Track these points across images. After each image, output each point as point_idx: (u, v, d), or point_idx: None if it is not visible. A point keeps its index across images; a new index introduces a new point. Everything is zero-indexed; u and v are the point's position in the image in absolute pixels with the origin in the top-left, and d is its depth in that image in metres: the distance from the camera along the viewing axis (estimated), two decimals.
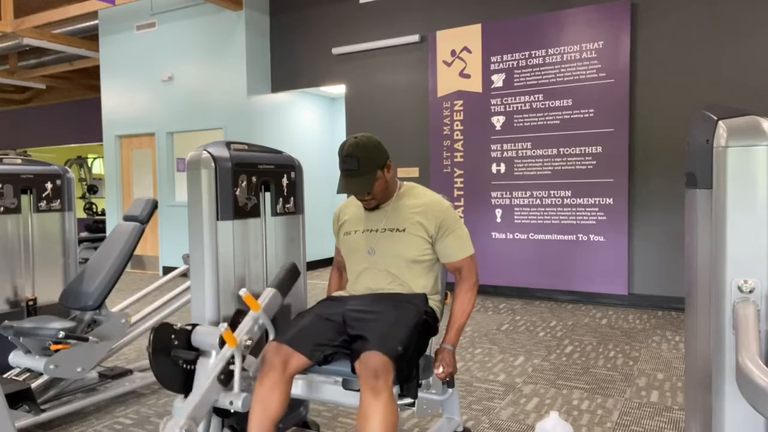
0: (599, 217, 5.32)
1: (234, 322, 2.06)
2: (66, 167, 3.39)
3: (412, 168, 6.32)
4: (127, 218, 3.17)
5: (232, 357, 1.98)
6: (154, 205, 3.20)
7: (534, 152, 5.60)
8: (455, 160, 6.00)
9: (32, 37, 7.78)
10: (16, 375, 2.75)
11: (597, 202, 5.32)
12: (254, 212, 2.35)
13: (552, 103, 5.49)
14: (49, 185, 3.26)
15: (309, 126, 8.02)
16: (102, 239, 8.17)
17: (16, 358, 2.71)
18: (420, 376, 1.98)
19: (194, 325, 2.13)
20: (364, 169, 2.01)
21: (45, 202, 3.25)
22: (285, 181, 2.48)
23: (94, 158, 11.62)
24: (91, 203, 11.22)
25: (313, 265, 7.59)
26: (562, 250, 5.49)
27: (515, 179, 5.70)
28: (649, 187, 5.17)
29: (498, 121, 5.77)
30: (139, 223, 3.12)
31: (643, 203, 5.20)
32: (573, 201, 5.43)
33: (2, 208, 3.06)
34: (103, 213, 10.69)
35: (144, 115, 7.97)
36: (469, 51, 5.87)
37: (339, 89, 7.25)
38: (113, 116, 8.29)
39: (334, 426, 2.75)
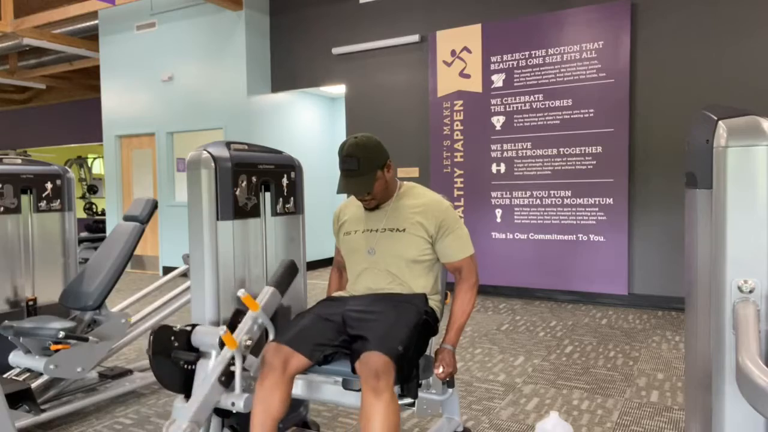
0: (599, 217, 5.32)
1: (233, 323, 2.07)
2: (66, 167, 3.39)
3: (412, 168, 6.32)
4: (127, 218, 3.17)
5: (233, 358, 1.98)
6: (154, 205, 3.20)
7: (534, 152, 5.60)
8: (455, 160, 6.00)
9: (32, 37, 7.78)
10: (16, 375, 2.75)
11: (597, 202, 5.32)
12: (254, 212, 2.35)
13: (552, 103, 5.49)
14: (49, 185, 3.26)
15: (309, 126, 8.02)
16: (102, 239, 8.17)
17: (16, 358, 2.71)
18: (420, 376, 1.98)
19: (194, 326, 2.13)
20: (364, 169, 2.01)
21: (45, 202, 3.25)
22: (285, 181, 2.48)
23: (94, 158, 11.62)
24: (91, 203, 11.22)
25: (313, 265, 7.59)
26: (562, 250, 5.49)
27: (515, 179, 5.70)
28: (649, 187, 5.17)
29: (498, 121, 5.77)
30: (139, 223, 3.12)
31: (643, 203, 5.20)
32: (573, 201, 5.43)
33: (2, 208, 3.06)
34: (103, 213, 10.69)
35: (144, 115, 7.97)
36: (469, 51, 5.87)
37: (339, 89, 7.25)
38: (113, 116, 8.29)
39: (334, 426, 2.75)
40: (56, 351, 2.60)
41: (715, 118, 1.32)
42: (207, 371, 2.03)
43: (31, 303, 3.16)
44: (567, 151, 5.44)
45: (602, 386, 3.23)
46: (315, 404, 2.94)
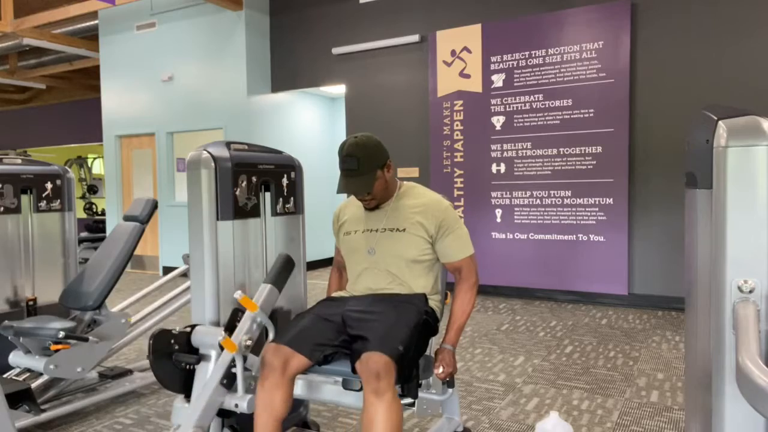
0: (599, 217, 5.32)
1: (231, 324, 2.06)
2: (66, 167, 3.39)
3: (412, 168, 6.32)
4: (127, 218, 3.17)
5: (233, 360, 1.98)
6: (154, 205, 3.20)
7: (534, 152, 5.60)
8: (455, 160, 6.00)
9: (32, 37, 7.78)
10: (16, 375, 2.75)
11: (597, 202, 5.32)
12: (254, 212, 2.35)
13: (552, 103, 5.49)
14: (49, 185, 3.26)
15: (309, 126, 8.02)
16: (102, 239, 8.18)
17: (16, 358, 2.71)
18: (420, 376, 1.98)
19: (193, 327, 2.13)
20: (364, 168, 2.01)
21: (45, 202, 3.25)
22: (285, 181, 2.48)
23: (94, 158, 11.62)
24: (91, 203, 11.22)
25: (313, 265, 7.59)
26: (562, 250, 5.49)
27: (515, 179, 5.70)
28: (649, 187, 5.17)
29: (498, 121, 5.77)
30: (139, 223, 3.12)
31: (643, 203, 5.20)
32: (573, 201, 5.43)
33: (2, 208, 3.06)
34: (103, 213, 10.69)
35: (144, 115, 7.97)
36: (469, 51, 5.87)
37: (339, 89, 7.25)
38: (113, 116, 8.29)
39: (334, 426, 2.75)
40: (56, 351, 2.60)
41: (715, 118, 1.32)
42: (208, 374, 2.03)
43: (31, 303, 3.16)
44: (567, 151, 5.44)
45: (602, 386, 3.23)
46: (315, 404, 2.94)
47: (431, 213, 2.09)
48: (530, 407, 2.95)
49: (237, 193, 2.26)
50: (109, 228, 8.48)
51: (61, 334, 2.58)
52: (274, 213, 2.45)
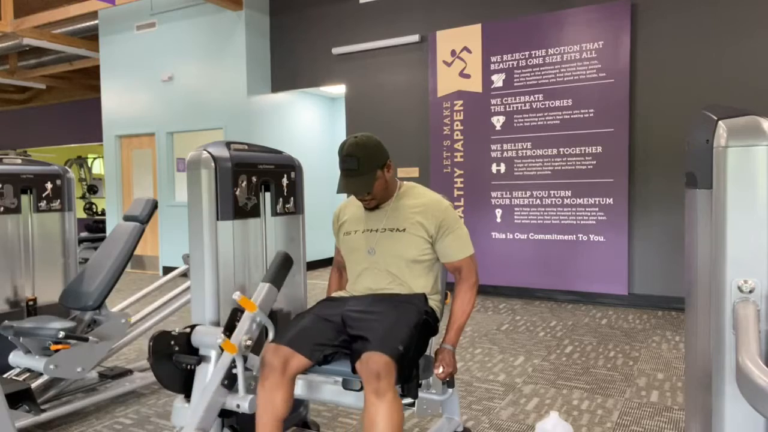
0: (599, 217, 5.32)
1: (230, 324, 2.06)
2: (66, 167, 3.39)
3: (412, 168, 6.32)
4: (127, 218, 3.17)
5: (233, 361, 1.98)
6: (154, 205, 3.20)
7: (534, 152, 5.60)
8: (455, 160, 6.00)
9: (32, 37, 7.78)
10: (16, 375, 2.75)
11: (597, 202, 5.32)
12: (254, 212, 2.35)
13: (552, 103, 5.49)
14: (49, 185, 3.26)
15: (309, 126, 8.02)
16: (102, 239, 8.18)
17: (16, 358, 2.71)
18: (420, 376, 1.98)
19: (192, 327, 2.13)
20: (364, 168, 2.00)
21: (45, 202, 3.25)
22: (285, 181, 2.48)
23: (94, 158, 11.62)
24: (91, 203, 11.22)
25: (313, 265, 7.59)
26: (562, 250, 5.49)
27: (515, 179, 5.70)
28: (649, 187, 5.17)
29: (498, 121, 5.77)
30: (139, 223, 3.12)
31: (643, 203, 5.20)
32: (573, 201, 5.43)
33: (2, 208, 3.06)
34: (103, 213, 10.69)
35: (144, 115, 7.97)
36: (469, 51, 5.87)
37: (339, 89, 7.25)
38: (113, 116, 8.29)
39: (334, 426, 2.75)
40: (56, 351, 2.60)
41: (715, 118, 1.32)
42: (208, 374, 2.03)
43: (31, 303, 3.16)
44: (567, 151, 5.44)
45: (602, 386, 3.23)
46: (315, 404, 2.94)
47: (431, 213, 2.09)
48: (530, 407, 2.95)
49: (237, 193, 2.26)
50: (109, 228, 8.48)
51: (61, 334, 2.58)
52: (274, 213, 2.45)
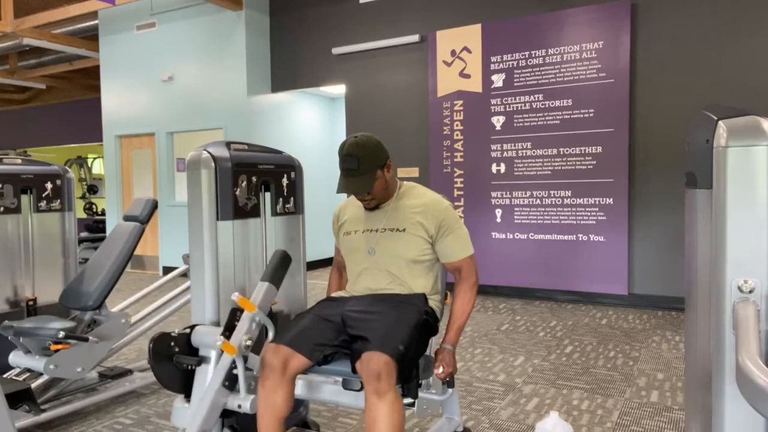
0: (599, 217, 5.32)
1: (230, 324, 2.06)
2: (66, 167, 3.39)
3: (412, 168, 6.32)
4: (127, 218, 3.17)
5: (234, 362, 1.98)
6: (154, 205, 3.20)
7: (534, 152, 5.60)
8: (455, 160, 6.00)
9: (32, 37, 7.78)
10: (16, 375, 2.75)
11: (597, 202, 5.32)
12: (254, 212, 2.35)
13: (552, 103, 5.49)
14: (49, 185, 3.26)
15: (309, 126, 8.02)
16: (102, 239, 8.17)
17: (16, 358, 2.71)
18: (420, 376, 1.98)
19: (192, 328, 2.13)
20: (364, 168, 2.00)
21: (45, 202, 3.25)
22: (285, 181, 2.48)
23: (94, 158, 11.63)
24: (91, 203, 11.22)
25: (313, 265, 7.59)
26: (562, 250, 5.49)
27: (515, 179, 5.70)
28: (649, 187, 5.17)
29: (498, 121, 5.77)
30: (139, 223, 3.12)
31: (643, 203, 5.20)
32: (573, 201, 5.43)
33: (2, 208, 3.06)
34: (103, 213, 10.69)
35: (144, 115, 7.97)
36: (469, 51, 5.88)
37: (339, 89, 7.25)
38: (113, 116, 8.29)
39: (334, 426, 2.75)
40: (56, 351, 2.60)
41: (715, 118, 1.32)
42: (208, 375, 2.03)
43: (31, 303, 3.16)
44: (567, 151, 5.44)
45: (602, 386, 3.23)
46: (315, 404, 2.94)
47: (431, 213, 2.09)
48: (530, 407, 2.95)
49: (237, 193, 2.26)
50: (109, 228, 8.48)
51: (61, 334, 2.58)
52: (274, 213, 2.45)
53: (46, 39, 7.95)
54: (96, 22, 8.13)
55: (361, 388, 1.89)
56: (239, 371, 1.98)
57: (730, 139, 1.27)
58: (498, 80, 5.75)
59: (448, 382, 2.06)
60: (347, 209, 2.28)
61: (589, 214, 5.36)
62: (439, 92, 6.06)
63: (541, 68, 5.53)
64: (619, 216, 5.23)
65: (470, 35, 5.86)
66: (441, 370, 1.96)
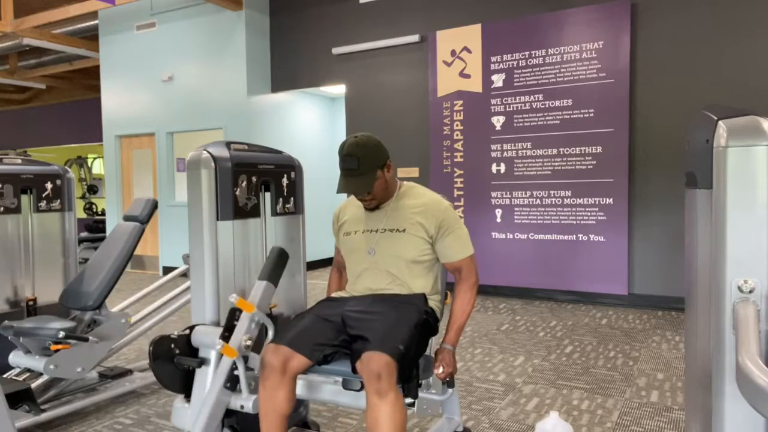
0: (599, 217, 5.32)
1: (229, 324, 2.06)
2: (66, 167, 3.39)
3: (412, 168, 6.32)
4: (127, 218, 3.17)
5: (235, 363, 1.98)
6: (154, 205, 3.20)
7: (534, 152, 5.60)
8: (455, 160, 6.00)
9: (32, 37, 7.78)
10: (16, 375, 2.75)
11: (597, 202, 5.32)
12: (254, 212, 2.35)
13: (552, 103, 5.49)
14: (49, 185, 3.26)
15: (309, 126, 8.02)
16: (102, 239, 8.18)
17: (16, 358, 2.71)
18: (420, 376, 1.98)
19: (191, 328, 2.13)
20: (364, 168, 2.00)
21: (45, 202, 3.25)
22: (285, 181, 2.48)
23: (94, 158, 11.62)
24: (91, 203, 11.22)
25: (313, 265, 7.59)
26: (562, 250, 5.49)
27: (515, 179, 5.70)
28: (649, 187, 5.17)
29: (498, 121, 5.77)
30: (139, 223, 3.12)
31: (643, 203, 5.20)
32: (573, 201, 5.43)
33: (2, 208, 3.06)
34: (103, 213, 10.69)
35: (144, 115, 7.97)
36: (469, 51, 5.87)
37: (339, 89, 7.25)
38: (113, 116, 8.29)
39: (334, 426, 2.75)
40: (56, 351, 2.60)
41: (715, 118, 1.32)
42: (208, 376, 2.03)
43: (31, 303, 3.16)
44: (567, 151, 5.44)
45: (602, 386, 3.23)
46: (315, 404, 2.94)
47: (431, 213, 2.09)
48: (530, 407, 2.95)
49: (237, 193, 2.26)
50: (109, 228, 8.48)
51: (61, 334, 2.58)
52: (274, 213, 2.45)
53: (46, 39, 7.95)
54: (96, 22, 8.13)
55: (361, 388, 1.89)
56: (240, 372, 1.98)
57: (730, 139, 1.27)
58: (498, 80, 5.75)
59: (448, 382, 2.06)
60: (347, 209, 2.28)
61: (589, 214, 5.36)
62: (439, 92, 6.07)
63: (541, 68, 5.53)
64: (619, 216, 5.23)
65: (470, 35, 5.86)
66: (441, 370, 1.96)
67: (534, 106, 5.58)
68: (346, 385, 1.98)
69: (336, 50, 6.74)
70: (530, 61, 5.58)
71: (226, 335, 2.02)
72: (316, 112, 8.12)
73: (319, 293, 5.84)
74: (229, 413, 2.04)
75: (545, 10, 5.54)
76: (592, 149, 5.32)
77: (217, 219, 2.21)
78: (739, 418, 1.27)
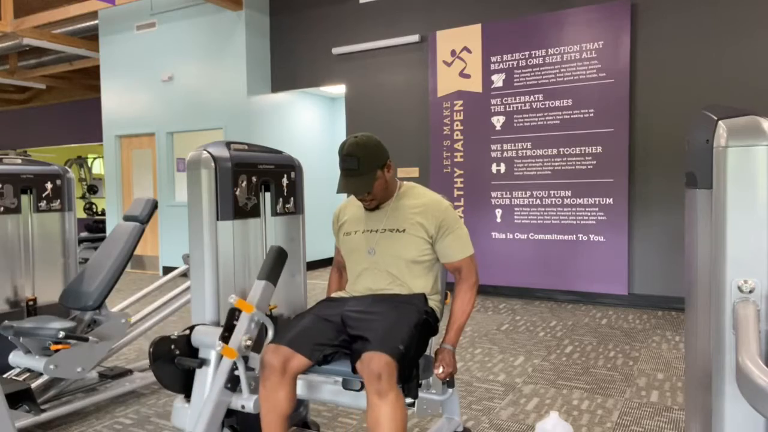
0: (599, 217, 5.32)
1: (229, 324, 2.06)
2: (66, 167, 3.39)
3: (412, 168, 6.32)
4: (127, 218, 3.17)
5: (235, 364, 1.98)
6: (154, 205, 3.20)
7: (534, 152, 5.60)
8: (455, 160, 6.00)
9: (32, 37, 7.78)
10: (16, 375, 2.75)
11: (597, 202, 5.32)
12: (254, 212, 2.35)
13: (552, 103, 5.49)
14: (49, 185, 3.26)
15: (309, 126, 8.02)
16: (102, 239, 8.17)
17: (16, 358, 2.71)
18: (420, 376, 1.98)
19: (191, 329, 2.13)
20: (364, 168, 2.00)
21: (45, 202, 3.25)
22: (285, 181, 2.48)
23: (94, 158, 11.62)
24: (91, 203, 11.22)
25: (313, 265, 7.59)
26: (562, 250, 5.49)
27: (515, 179, 5.70)
28: (649, 187, 5.17)
29: (498, 121, 5.77)
30: (139, 223, 3.12)
31: (643, 203, 5.20)
32: (573, 201, 5.43)
33: (2, 208, 3.06)
34: (103, 213, 10.69)
35: (144, 115, 7.97)
36: (469, 51, 5.87)
37: (339, 89, 7.25)
38: (113, 116, 8.29)
39: (334, 426, 2.75)
40: (56, 351, 2.60)
41: (715, 118, 1.31)
42: (208, 377, 2.03)
43: (31, 303, 3.16)
44: (567, 151, 5.44)
45: (602, 386, 3.23)
46: (315, 404, 2.94)
47: (431, 213, 2.09)
48: (530, 407, 2.95)
49: (237, 193, 2.26)
50: (109, 228, 8.48)
51: (61, 334, 2.58)
52: (274, 213, 2.45)
53: (46, 39, 7.95)
54: (96, 22, 8.13)
55: (361, 388, 1.89)
56: (240, 372, 1.98)
57: (730, 139, 1.27)
58: (498, 80, 5.75)
59: (448, 382, 2.06)
60: (347, 209, 2.28)
61: (589, 214, 5.36)
62: (439, 92, 6.07)
63: (541, 68, 5.53)
64: (619, 216, 5.23)
65: (470, 35, 5.86)
66: (441, 370, 1.96)
67: (534, 106, 5.58)
68: (346, 385, 1.98)
69: (336, 50, 6.74)
70: (530, 61, 5.58)
71: (226, 336, 2.02)
72: (316, 112, 8.12)
73: (319, 293, 5.84)
74: (229, 413, 2.04)
75: (545, 10, 5.54)
76: (592, 149, 5.32)
77: (217, 219, 2.21)
78: (739, 418, 1.27)
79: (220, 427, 2.09)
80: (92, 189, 11.29)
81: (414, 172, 6.28)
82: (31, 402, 2.55)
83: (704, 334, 1.40)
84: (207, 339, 2.06)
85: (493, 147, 5.80)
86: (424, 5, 6.23)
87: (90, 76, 10.58)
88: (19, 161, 3.21)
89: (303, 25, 7.07)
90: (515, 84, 5.66)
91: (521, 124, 5.65)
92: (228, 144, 2.30)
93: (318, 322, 2.00)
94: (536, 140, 5.58)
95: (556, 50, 5.45)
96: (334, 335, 1.96)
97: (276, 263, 2.14)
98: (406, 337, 1.85)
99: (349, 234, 2.20)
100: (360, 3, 6.62)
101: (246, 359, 2.01)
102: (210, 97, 7.38)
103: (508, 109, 5.71)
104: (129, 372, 3.23)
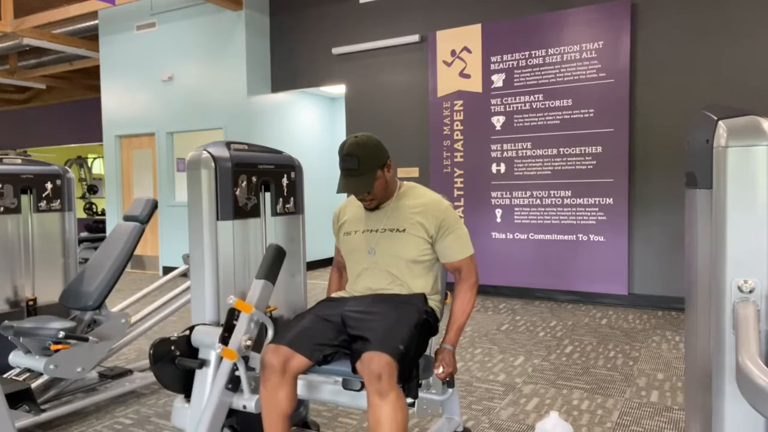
0: (599, 217, 5.32)
1: (228, 324, 2.06)
2: (66, 167, 3.39)
3: (412, 168, 6.32)
4: (127, 218, 3.17)
5: (235, 365, 1.98)
6: (154, 205, 3.20)
7: (534, 152, 5.60)
8: (455, 160, 6.00)
9: (32, 37, 7.78)
10: (16, 375, 2.75)
11: (597, 202, 5.32)
12: (254, 212, 2.35)
13: (552, 103, 5.49)
14: (49, 185, 3.26)
15: (309, 126, 8.02)
16: (102, 239, 8.18)
17: (16, 358, 2.71)
18: (420, 376, 1.98)
19: (191, 329, 2.13)
20: (364, 168, 2.00)
21: (45, 202, 3.25)
22: (285, 181, 2.48)
23: (94, 158, 11.62)
24: (91, 203, 11.22)
25: (313, 265, 7.59)
26: (562, 250, 5.49)
27: (515, 179, 5.70)
28: (649, 187, 5.17)
29: (498, 121, 5.77)
30: (139, 223, 3.12)
31: (643, 203, 5.20)
32: (573, 201, 5.43)
33: (2, 208, 3.06)
34: (103, 213, 10.69)
35: (144, 115, 7.97)
36: (469, 51, 5.87)
37: (339, 89, 7.25)
38: (113, 116, 8.29)
39: (334, 426, 2.75)
40: (56, 351, 2.60)
41: (715, 118, 1.31)
42: (208, 377, 2.03)
43: (31, 303, 3.16)
44: (567, 151, 5.44)
45: (602, 386, 3.23)
46: (315, 404, 2.94)
47: (431, 213, 2.09)
48: (530, 407, 2.95)
49: (237, 193, 2.26)
50: (109, 228, 8.48)
51: (61, 334, 2.58)
52: (274, 213, 2.45)
53: (46, 39, 7.95)
54: (96, 22, 8.13)
55: (361, 388, 1.89)
56: (241, 373, 1.98)
57: (730, 139, 1.27)
58: (498, 80, 5.75)
59: (448, 382, 2.06)
60: (347, 209, 2.28)
61: (589, 214, 5.36)
62: (439, 92, 6.07)
63: (541, 68, 5.53)
64: (619, 216, 5.23)
65: (470, 35, 5.86)
66: (441, 370, 1.96)
67: (534, 106, 5.58)
68: (346, 385, 1.98)
69: (336, 50, 6.74)
70: (530, 61, 5.58)
71: (226, 336, 2.02)
72: (316, 112, 8.12)
73: (319, 293, 5.84)
74: (229, 413, 2.04)
75: (545, 10, 5.54)
76: (592, 149, 5.32)
77: (217, 219, 2.21)
78: (739, 418, 1.27)
79: (219, 426, 2.09)
80: (92, 189, 11.30)
81: (414, 172, 6.28)
82: (31, 402, 2.55)
83: (704, 334, 1.40)
84: (207, 339, 2.06)
85: (493, 147, 5.80)
86: (424, 5, 6.23)
87: (90, 76, 10.58)
88: (19, 161, 3.21)
89: (303, 25, 7.07)
90: (515, 84, 5.66)
91: (521, 124, 5.65)
92: (228, 144, 2.30)
93: (318, 322, 2.00)
94: (536, 140, 5.58)
95: (556, 50, 5.45)
96: (334, 335, 1.96)
97: (274, 262, 2.13)
98: (406, 337, 1.85)
99: (349, 234, 2.20)
100: (360, 3, 6.62)
101: (246, 359, 2.01)
102: (210, 97, 7.38)
103: (508, 109, 5.71)
104: (129, 372, 3.23)
